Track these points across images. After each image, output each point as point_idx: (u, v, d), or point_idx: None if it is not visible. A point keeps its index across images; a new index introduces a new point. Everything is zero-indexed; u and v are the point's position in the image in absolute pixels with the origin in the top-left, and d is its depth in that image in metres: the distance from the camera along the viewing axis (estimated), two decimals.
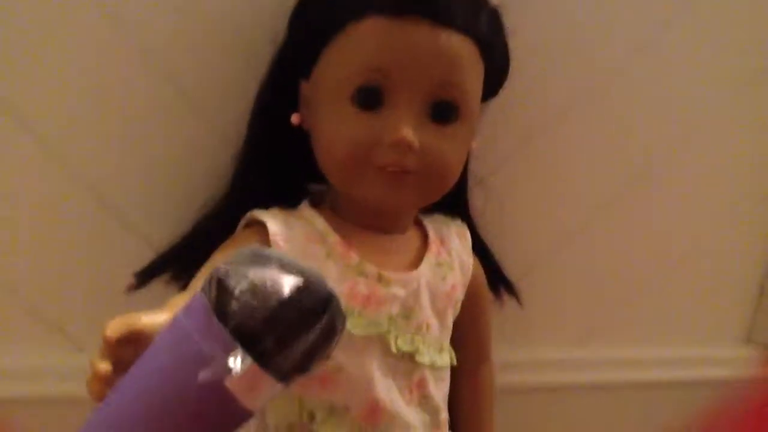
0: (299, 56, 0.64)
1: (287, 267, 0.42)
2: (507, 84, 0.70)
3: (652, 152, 0.89)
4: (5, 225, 0.71)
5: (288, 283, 0.40)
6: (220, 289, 0.40)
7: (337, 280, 0.61)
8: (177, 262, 0.69)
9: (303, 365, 0.42)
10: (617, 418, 0.94)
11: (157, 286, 0.70)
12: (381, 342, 0.63)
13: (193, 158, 0.73)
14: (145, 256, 0.71)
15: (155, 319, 0.43)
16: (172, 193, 0.73)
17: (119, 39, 0.69)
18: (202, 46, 0.71)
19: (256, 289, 0.40)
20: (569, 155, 0.86)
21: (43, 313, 0.73)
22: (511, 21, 0.67)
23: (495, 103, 0.72)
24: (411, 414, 0.65)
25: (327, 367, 0.61)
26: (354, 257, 0.63)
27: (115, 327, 0.41)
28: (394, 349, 0.63)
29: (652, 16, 0.84)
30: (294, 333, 0.40)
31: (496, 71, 0.66)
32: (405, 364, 0.65)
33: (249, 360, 0.39)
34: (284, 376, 0.41)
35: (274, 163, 0.68)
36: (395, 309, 0.64)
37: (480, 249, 0.77)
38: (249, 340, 0.39)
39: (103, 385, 0.40)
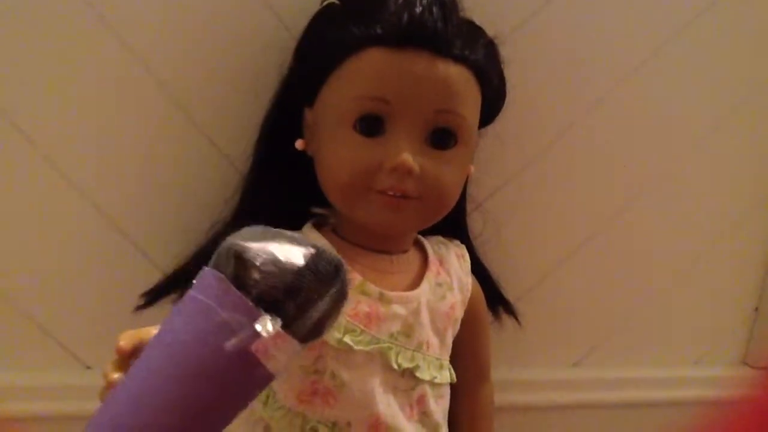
0: (304, 85, 0.67)
1: (296, 239, 0.45)
2: (504, 110, 0.72)
3: (647, 175, 0.91)
4: (19, 249, 0.74)
5: (303, 252, 0.43)
6: (239, 262, 0.43)
7: None
8: (184, 282, 0.70)
9: (320, 327, 0.44)
10: None
11: (164, 306, 0.72)
12: (382, 358, 0.65)
13: (201, 182, 0.76)
14: (152, 277, 0.73)
15: None
16: (180, 215, 0.76)
17: (137, 72, 0.72)
18: (212, 76, 0.74)
19: (275, 260, 0.42)
20: (564, 179, 0.88)
21: (54, 333, 0.75)
22: (505, 51, 0.70)
23: (491, 129, 0.74)
24: (411, 430, 0.67)
25: (329, 382, 0.63)
26: (356, 277, 0.65)
27: (127, 338, 0.41)
28: (395, 365, 0.65)
29: (643, 40, 0.86)
30: (313, 296, 0.43)
31: (492, 99, 0.69)
32: (406, 380, 0.67)
33: (276, 324, 0.41)
34: (304, 338, 0.43)
35: (278, 187, 0.70)
36: (396, 327, 0.65)
37: (479, 270, 0.79)
38: (272, 306, 0.42)
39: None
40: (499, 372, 0.81)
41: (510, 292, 0.83)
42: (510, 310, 0.84)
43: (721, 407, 0.59)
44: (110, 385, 0.40)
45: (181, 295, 0.68)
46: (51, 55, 0.70)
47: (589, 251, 0.91)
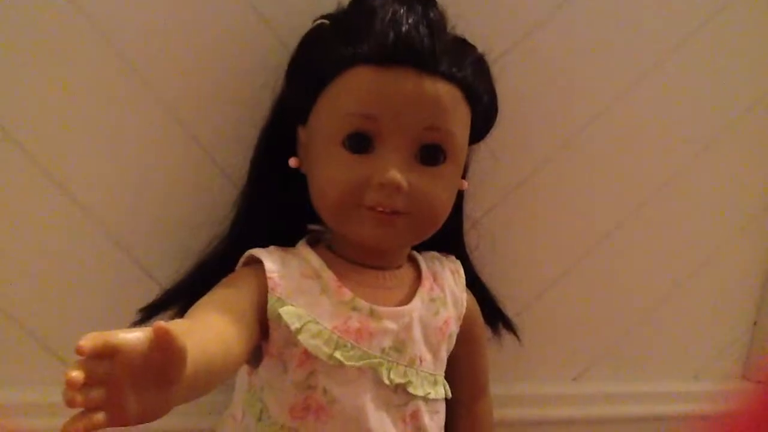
0: (296, 104, 0.68)
1: None
2: (499, 127, 0.73)
3: (644, 190, 0.91)
4: (18, 265, 0.74)
5: None
6: None
7: (330, 315, 0.64)
8: (181, 298, 0.71)
9: None
10: None
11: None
12: (374, 374, 0.65)
13: (200, 197, 0.77)
14: (151, 293, 0.74)
15: (130, 335, 0.41)
16: (179, 231, 0.77)
17: (137, 89, 0.73)
18: (212, 93, 0.75)
19: None
20: (562, 194, 0.88)
21: (56, 350, 0.76)
22: (500, 68, 0.71)
23: (487, 147, 0.75)
24: None
25: (322, 398, 0.63)
26: (347, 293, 0.65)
27: (88, 339, 0.40)
28: (386, 381, 0.65)
29: (641, 55, 0.87)
30: None
31: (483, 115, 0.69)
32: (398, 396, 0.67)
33: None
34: None
35: (273, 204, 0.71)
36: (387, 342, 0.66)
37: (477, 287, 0.79)
38: None
39: (75, 393, 0.39)
40: (498, 387, 0.81)
41: (509, 308, 0.83)
42: (509, 326, 0.84)
43: (719, 421, 0.59)
44: (69, 384, 0.39)
45: (178, 311, 0.71)
46: (51, 72, 0.71)
47: (587, 266, 0.91)
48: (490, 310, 0.81)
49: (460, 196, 0.75)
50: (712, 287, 0.96)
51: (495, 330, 0.83)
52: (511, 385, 0.89)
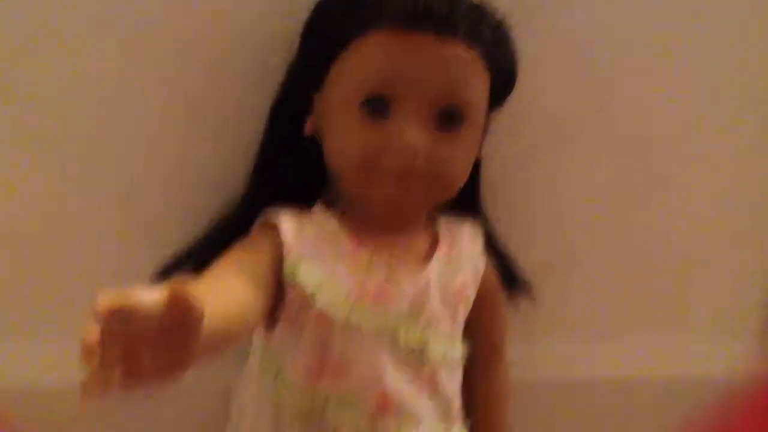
0: (311, 69, 0.68)
1: None
2: (517, 91, 0.72)
3: (665, 154, 0.90)
4: (36, 227, 0.76)
5: None
6: None
7: (346, 278, 0.64)
8: (196, 260, 0.72)
9: None
10: (632, 414, 0.94)
11: None
12: (391, 336, 0.65)
13: (207, 171, 0.77)
14: (163, 258, 0.74)
15: (148, 294, 0.40)
16: (190, 198, 0.77)
17: (140, 60, 0.73)
18: (219, 63, 0.75)
19: None
20: (578, 159, 0.87)
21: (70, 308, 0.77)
22: (519, 31, 0.70)
23: (506, 109, 0.74)
24: (422, 406, 0.68)
25: (338, 360, 0.64)
26: (364, 256, 0.66)
27: (106, 297, 0.39)
28: (403, 343, 0.66)
29: (649, 42, 0.86)
30: None
31: (502, 79, 0.69)
32: (415, 357, 0.67)
33: None
34: None
35: (286, 172, 0.72)
36: (404, 305, 0.66)
37: (495, 250, 0.79)
38: None
39: (92, 350, 0.39)
40: (515, 347, 0.82)
41: (527, 271, 0.83)
42: (525, 289, 0.84)
43: (747, 386, 0.58)
44: (86, 341, 0.38)
45: (194, 272, 0.71)
46: (52, 51, 0.71)
47: (606, 229, 0.90)
48: (507, 273, 0.81)
49: (478, 160, 0.74)
50: (736, 247, 0.95)
51: (512, 292, 0.83)
52: (528, 346, 0.88)
